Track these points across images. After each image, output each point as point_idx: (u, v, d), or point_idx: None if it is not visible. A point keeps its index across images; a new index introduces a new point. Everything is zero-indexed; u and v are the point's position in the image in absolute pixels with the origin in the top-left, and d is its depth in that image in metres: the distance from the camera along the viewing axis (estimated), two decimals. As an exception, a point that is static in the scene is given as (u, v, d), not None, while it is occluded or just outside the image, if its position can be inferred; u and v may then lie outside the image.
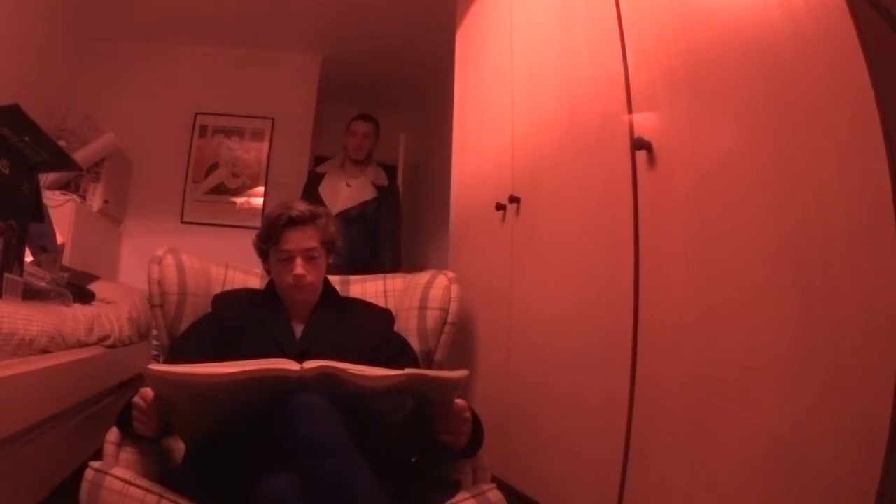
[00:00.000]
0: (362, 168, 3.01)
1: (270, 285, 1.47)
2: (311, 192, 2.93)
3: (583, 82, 1.43)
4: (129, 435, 1.12)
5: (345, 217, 2.71)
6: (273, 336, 1.32)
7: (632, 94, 1.22)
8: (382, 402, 1.02)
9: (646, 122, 1.17)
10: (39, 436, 1.27)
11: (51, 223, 1.97)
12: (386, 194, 3.00)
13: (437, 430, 1.08)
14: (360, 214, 2.89)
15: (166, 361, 1.36)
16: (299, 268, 1.33)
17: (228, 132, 3.72)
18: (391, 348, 1.39)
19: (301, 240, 1.35)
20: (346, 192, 2.93)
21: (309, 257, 1.36)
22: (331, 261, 1.46)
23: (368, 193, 2.95)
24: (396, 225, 3.05)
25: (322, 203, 2.73)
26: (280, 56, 3.81)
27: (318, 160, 4.24)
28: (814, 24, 0.84)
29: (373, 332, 1.40)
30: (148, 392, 1.02)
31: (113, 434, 1.11)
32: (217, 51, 3.76)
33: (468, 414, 1.08)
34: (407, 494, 1.06)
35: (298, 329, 1.37)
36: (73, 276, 1.96)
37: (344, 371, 0.96)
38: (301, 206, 1.38)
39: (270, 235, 1.36)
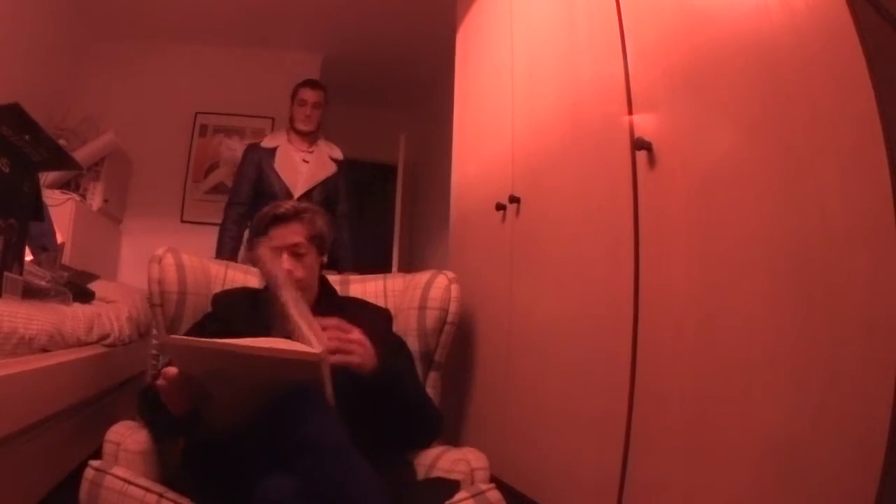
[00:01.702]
0: (312, 141, 2.66)
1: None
2: (255, 168, 2.58)
3: (583, 83, 1.43)
4: (157, 427, 1.14)
5: (308, 201, 2.40)
6: (271, 336, 1.32)
7: (632, 94, 1.22)
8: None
9: (646, 123, 1.17)
10: (39, 435, 1.27)
11: (51, 222, 1.98)
12: (342, 169, 2.67)
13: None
14: (324, 196, 2.56)
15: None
16: (286, 263, 1.34)
17: (229, 132, 3.71)
18: (388, 348, 1.39)
19: (286, 235, 1.37)
20: (305, 170, 2.58)
21: (296, 253, 1.36)
22: (324, 260, 1.46)
23: (329, 169, 2.62)
24: (352, 204, 2.72)
25: (279, 181, 2.52)
26: (280, 55, 3.80)
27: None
28: (814, 25, 0.84)
29: (370, 332, 1.40)
30: (169, 370, 1.01)
31: (113, 433, 1.11)
32: (217, 50, 3.76)
33: (355, 335, 1.10)
34: (407, 494, 1.06)
35: None
36: (73, 275, 1.95)
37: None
38: (287, 204, 1.41)
39: (258, 235, 1.40)
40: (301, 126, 2.62)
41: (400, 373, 1.18)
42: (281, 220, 1.38)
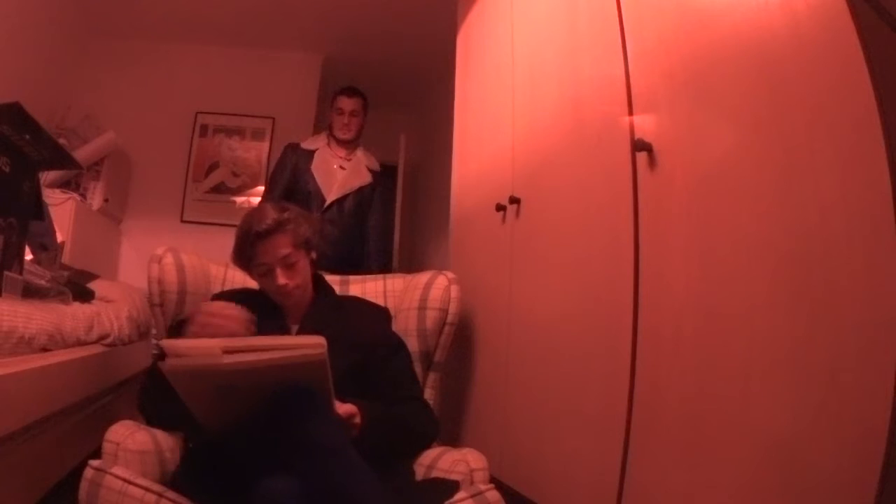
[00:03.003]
0: (351, 150, 2.67)
1: None
2: (291, 170, 2.61)
3: (583, 84, 1.43)
4: (165, 418, 1.16)
5: (340, 207, 2.55)
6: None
7: (633, 95, 1.22)
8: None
9: (646, 124, 1.17)
10: (39, 434, 1.27)
11: (51, 221, 1.98)
12: (379, 180, 2.71)
13: None
14: (356, 203, 2.60)
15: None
16: (281, 278, 1.32)
17: (229, 131, 3.72)
18: (386, 348, 1.39)
19: (274, 249, 1.32)
20: (340, 177, 2.61)
21: (287, 265, 1.34)
22: (314, 255, 1.44)
23: (364, 178, 2.64)
24: (385, 214, 2.77)
25: (314, 184, 2.54)
26: (281, 55, 3.81)
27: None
28: (814, 26, 0.84)
29: (368, 331, 1.40)
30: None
31: (112, 433, 1.11)
32: (218, 50, 3.77)
33: (357, 420, 1.10)
34: (406, 495, 1.06)
35: (295, 329, 1.38)
36: (73, 274, 1.95)
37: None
38: (267, 219, 1.33)
39: (244, 253, 1.35)
40: (339, 134, 2.64)
41: (377, 423, 1.17)
42: (263, 236, 1.32)
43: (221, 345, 0.92)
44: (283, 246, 1.33)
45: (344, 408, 1.09)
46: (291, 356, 0.94)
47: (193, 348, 0.95)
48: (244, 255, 1.35)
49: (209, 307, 1.13)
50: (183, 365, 0.93)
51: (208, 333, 1.04)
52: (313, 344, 0.96)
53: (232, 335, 1.05)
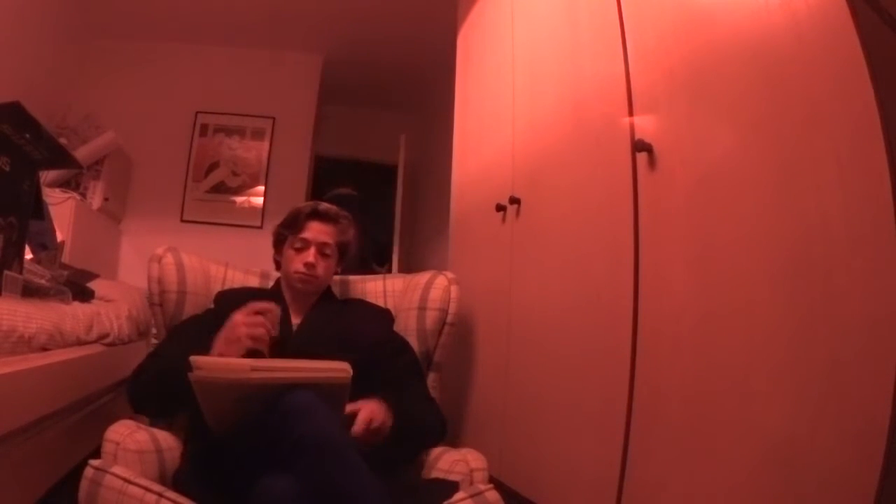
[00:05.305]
0: None
1: (276, 286, 1.48)
2: None
3: (584, 84, 1.43)
4: (168, 398, 1.17)
5: None
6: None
7: (633, 96, 1.22)
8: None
9: (646, 125, 1.17)
10: (38, 433, 1.27)
11: (51, 221, 1.97)
12: None
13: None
14: None
15: (162, 346, 1.37)
16: (312, 256, 1.39)
17: (229, 131, 3.71)
18: (391, 348, 1.39)
19: (321, 232, 1.42)
20: None
21: (323, 252, 1.41)
22: (339, 269, 1.48)
23: None
24: None
25: None
26: (281, 55, 3.81)
27: (319, 160, 4.24)
28: (815, 27, 0.84)
29: (371, 331, 1.40)
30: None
31: (112, 432, 1.10)
32: (218, 50, 3.76)
33: (375, 425, 1.10)
34: (405, 495, 1.06)
35: (296, 323, 1.39)
36: (73, 273, 1.95)
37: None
38: (332, 206, 1.47)
39: (295, 223, 1.43)
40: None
41: (401, 421, 1.17)
42: (321, 216, 1.43)
43: (251, 365, 0.96)
44: (330, 234, 1.43)
45: (376, 415, 1.10)
46: (318, 377, 0.99)
47: (223, 365, 0.98)
48: (294, 225, 1.43)
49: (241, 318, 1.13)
50: (213, 378, 0.96)
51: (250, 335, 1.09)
52: (339, 368, 1.00)
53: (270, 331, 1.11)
